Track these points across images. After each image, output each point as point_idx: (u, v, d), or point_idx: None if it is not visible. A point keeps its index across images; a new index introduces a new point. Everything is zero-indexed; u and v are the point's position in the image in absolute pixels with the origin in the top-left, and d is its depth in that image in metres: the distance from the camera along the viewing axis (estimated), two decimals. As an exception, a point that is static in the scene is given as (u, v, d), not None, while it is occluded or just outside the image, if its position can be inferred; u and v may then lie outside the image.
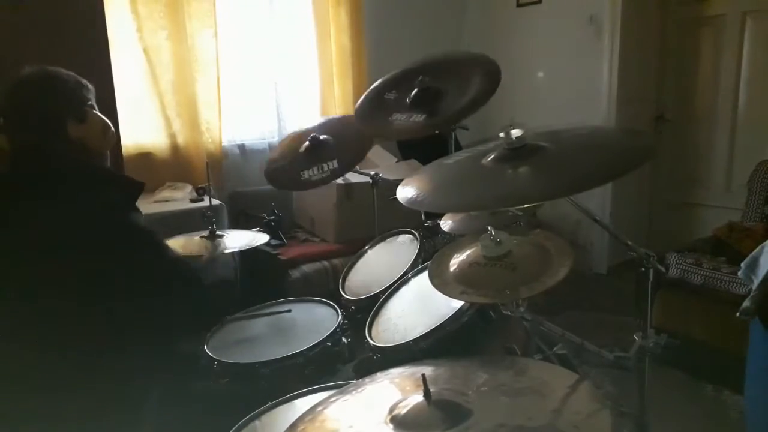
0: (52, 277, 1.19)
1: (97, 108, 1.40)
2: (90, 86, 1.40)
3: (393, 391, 0.99)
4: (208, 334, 1.65)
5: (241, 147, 3.64)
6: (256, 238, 1.96)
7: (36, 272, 1.19)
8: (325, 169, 1.74)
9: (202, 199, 2.92)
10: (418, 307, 1.50)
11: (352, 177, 3.06)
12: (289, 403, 1.31)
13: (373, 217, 2.12)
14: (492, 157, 1.05)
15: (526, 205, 1.34)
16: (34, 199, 1.24)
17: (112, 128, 1.41)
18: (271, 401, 1.30)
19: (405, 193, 1.08)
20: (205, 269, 1.72)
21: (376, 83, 1.86)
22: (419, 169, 1.24)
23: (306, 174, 1.75)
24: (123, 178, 1.42)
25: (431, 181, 1.14)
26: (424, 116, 1.61)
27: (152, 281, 1.28)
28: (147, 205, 2.86)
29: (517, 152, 1.02)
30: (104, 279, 1.20)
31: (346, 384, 1.09)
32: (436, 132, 1.74)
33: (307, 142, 1.81)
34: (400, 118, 1.66)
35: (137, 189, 1.37)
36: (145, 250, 1.29)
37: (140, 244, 1.29)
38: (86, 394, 1.19)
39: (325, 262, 3.07)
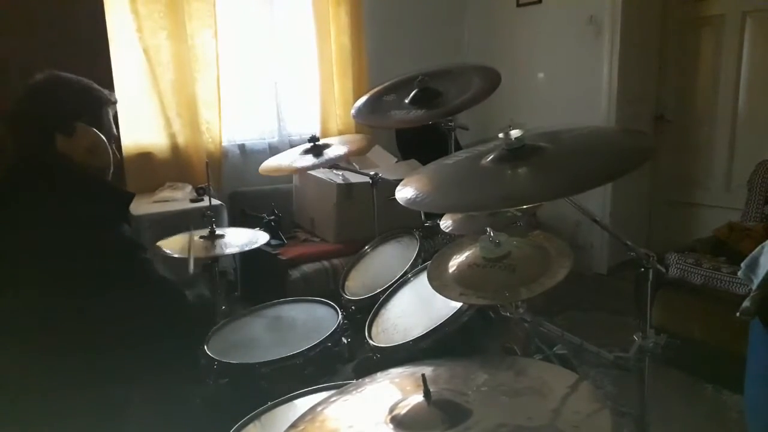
0: (31, 281, 1.19)
1: (103, 121, 1.37)
2: (106, 97, 1.38)
3: (393, 391, 0.99)
4: (208, 335, 1.65)
5: (241, 147, 3.64)
6: (256, 236, 1.96)
7: (18, 275, 1.20)
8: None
9: (202, 199, 2.92)
10: (418, 307, 1.50)
11: (352, 177, 3.07)
12: (289, 403, 1.30)
13: (373, 217, 2.13)
14: (491, 157, 1.05)
15: (525, 206, 1.34)
16: (23, 202, 1.24)
17: (103, 146, 1.36)
18: (270, 401, 1.30)
19: (404, 193, 1.08)
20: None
21: (373, 90, 1.86)
22: (418, 169, 1.23)
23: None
24: (111, 189, 1.40)
25: (430, 181, 1.14)
26: (423, 111, 1.61)
27: (132, 294, 1.27)
28: (147, 205, 2.86)
29: (516, 153, 1.02)
30: (83, 288, 1.20)
31: (346, 384, 1.09)
32: (435, 126, 1.73)
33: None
34: (399, 114, 1.66)
35: (126, 200, 1.36)
36: (126, 264, 1.28)
37: (121, 258, 1.28)
38: (66, 397, 1.19)
39: (325, 262, 3.07)
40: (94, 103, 1.36)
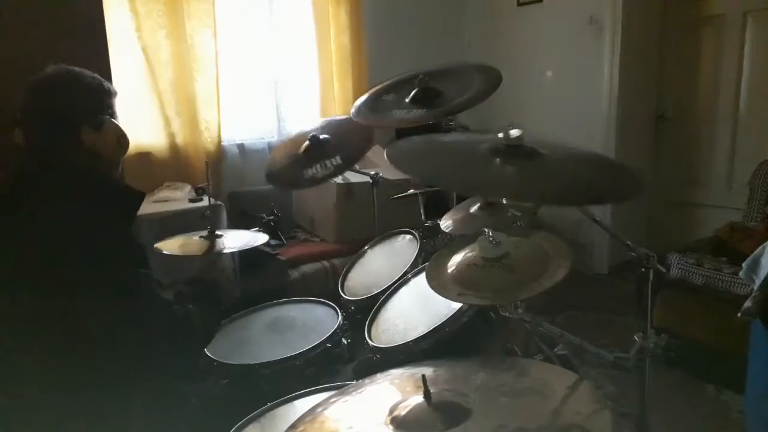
0: (37, 279, 1.18)
1: (116, 114, 1.38)
2: (113, 90, 1.38)
3: (393, 391, 0.99)
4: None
5: (241, 147, 3.64)
6: (255, 238, 1.95)
7: (26, 272, 1.19)
8: (329, 165, 1.71)
9: (202, 199, 2.91)
10: (418, 308, 1.49)
11: (352, 177, 3.06)
12: (288, 404, 1.30)
13: (373, 217, 2.12)
14: (487, 145, 1.05)
15: (525, 204, 1.33)
16: (36, 200, 1.24)
17: (127, 138, 1.39)
18: (270, 402, 1.30)
19: (393, 150, 1.07)
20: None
21: (373, 90, 1.85)
22: (414, 138, 1.21)
23: (309, 172, 1.73)
24: (124, 188, 1.39)
25: (420, 149, 1.13)
26: (423, 110, 1.61)
27: (133, 297, 1.26)
28: (146, 205, 2.84)
29: (511, 150, 1.02)
30: (87, 288, 1.20)
31: (346, 385, 1.08)
32: (435, 126, 1.73)
33: (307, 142, 1.80)
34: (399, 113, 1.66)
35: (138, 200, 1.35)
36: (131, 266, 1.28)
37: (128, 259, 1.28)
38: (68, 400, 1.19)
39: (325, 262, 3.07)
40: (107, 96, 1.36)
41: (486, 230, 1.18)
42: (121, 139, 1.37)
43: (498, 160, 1.01)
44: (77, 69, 1.33)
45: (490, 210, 1.71)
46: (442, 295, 1.16)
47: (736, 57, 3.50)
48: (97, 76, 1.35)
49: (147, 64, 3.18)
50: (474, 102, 1.61)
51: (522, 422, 0.84)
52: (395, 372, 1.07)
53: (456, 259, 1.23)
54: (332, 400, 1.01)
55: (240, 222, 3.23)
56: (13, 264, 1.21)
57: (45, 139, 1.28)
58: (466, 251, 1.23)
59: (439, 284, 1.18)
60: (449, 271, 1.21)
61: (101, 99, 1.34)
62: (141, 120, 3.22)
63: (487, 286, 1.12)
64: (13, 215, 1.24)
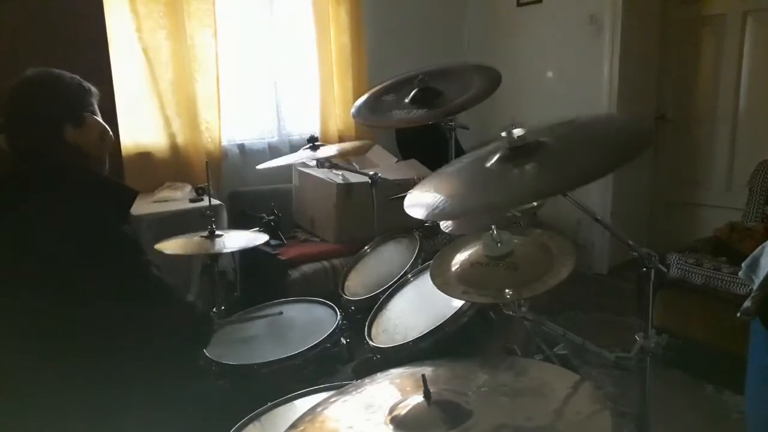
0: (33, 280, 1.18)
1: (98, 113, 1.39)
2: (93, 90, 1.40)
3: (393, 391, 0.99)
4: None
5: (241, 147, 3.64)
6: (255, 238, 1.96)
7: (20, 274, 1.19)
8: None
9: (202, 199, 2.91)
10: (418, 308, 1.49)
11: (352, 177, 3.06)
12: (288, 404, 1.30)
13: (373, 217, 2.12)
14: (495, 159, 1.05)
15: (528, 204, 1.33)
16: (27, 201, 1.24)
17: (110, 134, 1.40)
18: (269, 402, 1.30)
19: (419, 209, 1.06)
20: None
21: (373, 90, 1.85)
22: (422, 181, 1.21)
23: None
24: (116, 185, 1.40)
25: (442, 190, 1.12)
26: (423, 110, 1.61)
27: (131, 294, 1.26)
28: (146, 205, 2.85)
29: (518, 151, 1.02)
30: (84, 286, 1.20)
31: (346, 384, 1.08)
32: (435, 126, 1.72)
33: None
34: (399, 114, 1.66)
35: (130, 197, 1.36)
36: (126, 263, 1.28)
37: (122, 256, 1.28)
38: (66, 399, 1.19)
39: (325, 262, 3.06)
40: (88, 94, 1.37)
41: (492, 228, 1.17)
42: (104, 134, 1.37)
43: (511, 166, 1.01)
44: (56, 70, 1.34)
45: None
46: (447, 293, 1.16)
47: (736, 57, 3.50)
48: (76, 76, 1.37)
49: (147, 64, 3.18)
50: (474, 102, 1.61)
51: (522, 422, 0.84)
52: (395, 371, 1.07)
53: (460, 258, 1.23)
54: (332, 399, 1.01)
55: (240, 222, 3.24)
56: (8, 264, 1.22)
57: (30, 140, 1.29)
58: (471, 249, 1.23)
59: (443, 282, 1.18)
60: (453, 269, 1.21)
61: (82, 97, 1.35)
62: (141, 120, 3.21)
63: (490, 284, 1.12)
64: (4, 217, 1.25)
